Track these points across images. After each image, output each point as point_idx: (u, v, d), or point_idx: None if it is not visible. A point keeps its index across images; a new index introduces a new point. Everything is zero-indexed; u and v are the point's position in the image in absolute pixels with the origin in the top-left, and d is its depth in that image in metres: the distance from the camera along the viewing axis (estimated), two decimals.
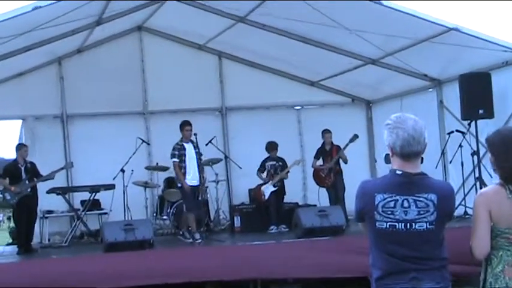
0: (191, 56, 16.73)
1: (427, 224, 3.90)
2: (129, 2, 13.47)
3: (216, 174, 15.16)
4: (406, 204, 3.91)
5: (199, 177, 13.11)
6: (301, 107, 17.77)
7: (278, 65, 16.89)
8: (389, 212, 3.92)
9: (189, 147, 13.07)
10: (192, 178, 13.01)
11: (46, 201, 14.31)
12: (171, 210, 14.82)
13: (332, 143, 14.79)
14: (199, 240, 12.76)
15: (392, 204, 3.92)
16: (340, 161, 14.66)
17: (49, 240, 14.60)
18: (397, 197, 3.92)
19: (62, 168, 14.05)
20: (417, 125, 3.92)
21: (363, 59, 14.90)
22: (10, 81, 15.55)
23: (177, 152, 13.05)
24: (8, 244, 15.63)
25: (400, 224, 3.91)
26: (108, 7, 13.01)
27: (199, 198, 13.15)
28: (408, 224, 3.91)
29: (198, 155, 13.12)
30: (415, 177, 3.94)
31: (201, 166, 13.21)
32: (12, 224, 19.48)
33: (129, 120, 16.38)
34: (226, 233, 14.66)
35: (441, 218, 3.93)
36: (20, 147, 13.74)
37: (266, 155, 14.87)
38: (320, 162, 14.93)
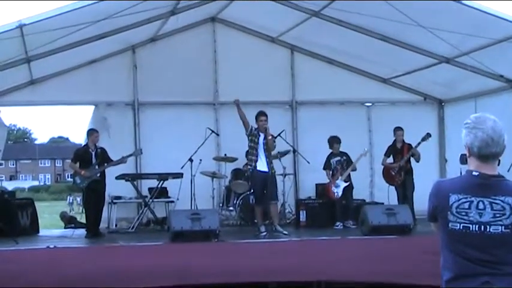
0: (263, 48, 16.72)
1: (502, 227, 3.79)
2: None
3: (284, 168, 15.13)
4: (481, 206, 3.81)
5: (269, 166, 13.07)
6: (372, 104, 17.60)
7: (350, 61, 16.75)
8: (463, 213, 3.83)
9: (261, 137, 13.08)
10: (262, 164, 13.00)
11: (115, 187, 14.56)
12: (238, 202, 14.88)
13: (403, 141, 14.66)
14: (265, 233, 12.78)
15: (467, 205, 3.83)
16: (411, 159, 14.49)
17: (116, 225, 14.83)
18: (473, 199, 3.82)
19: (131, 155, 14.24)
20: (497, 126, 3.81)
21: (437, 58, 14.66)
22: (84, 68, 15.78)
23: (249, 133, 13.08)
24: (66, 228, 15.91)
25: (474, 225, 3.82)
26: None
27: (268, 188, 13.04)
28: (482, 227, 3.80)
29: (267, 146, 13.10)
30: (492, 179, 3.83)
31: (269, 157, 13.17)
32: (63, 209, 19.95)
33: (199, 110, 16.45)
34: (291, 227, 14.60)
35: None
36: (91, 132, 13.98)
37: None
38: (390, 160, 14.81)
